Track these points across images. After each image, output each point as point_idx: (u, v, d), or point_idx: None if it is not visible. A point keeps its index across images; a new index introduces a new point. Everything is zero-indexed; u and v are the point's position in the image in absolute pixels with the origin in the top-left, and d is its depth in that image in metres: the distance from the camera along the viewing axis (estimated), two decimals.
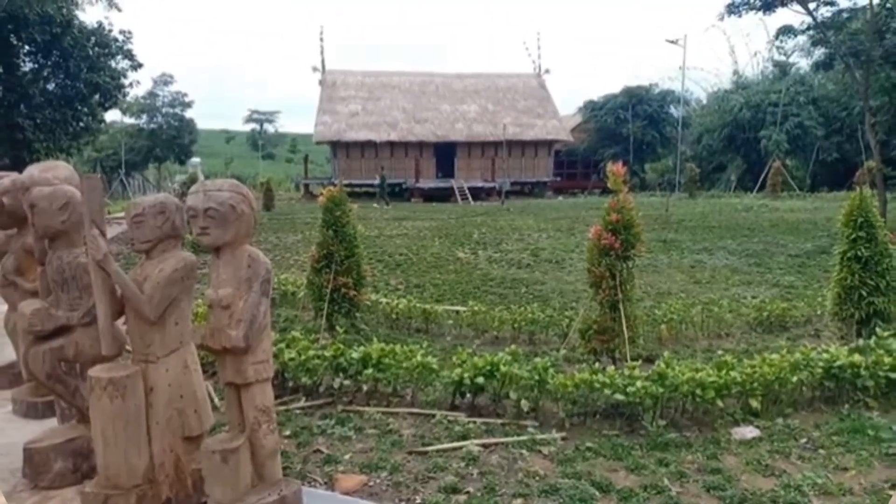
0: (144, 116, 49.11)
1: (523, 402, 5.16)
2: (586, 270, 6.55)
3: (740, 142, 37.89)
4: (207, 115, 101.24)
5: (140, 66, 25.65)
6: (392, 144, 39.77)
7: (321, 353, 5.76)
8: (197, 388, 3.90)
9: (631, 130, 43.64)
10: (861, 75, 15.56)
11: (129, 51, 25.63)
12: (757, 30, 65.29)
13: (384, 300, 8.58)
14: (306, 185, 41.58)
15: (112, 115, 41.55)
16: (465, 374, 5.21)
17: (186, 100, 51.44)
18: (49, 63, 23.46)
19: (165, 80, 50.21)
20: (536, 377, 5.15)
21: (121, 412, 3.61)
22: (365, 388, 5.62)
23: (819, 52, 18.76)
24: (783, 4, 16.14)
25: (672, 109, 46.79)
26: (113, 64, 24.95)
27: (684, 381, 4.94)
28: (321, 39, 42.77)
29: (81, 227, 4.24)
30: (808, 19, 17.29)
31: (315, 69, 42.71)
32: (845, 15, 16.21)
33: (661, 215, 20.73)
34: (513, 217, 22.60)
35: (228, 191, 3.58)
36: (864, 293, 6.63)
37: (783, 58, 37.35)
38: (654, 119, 44.90)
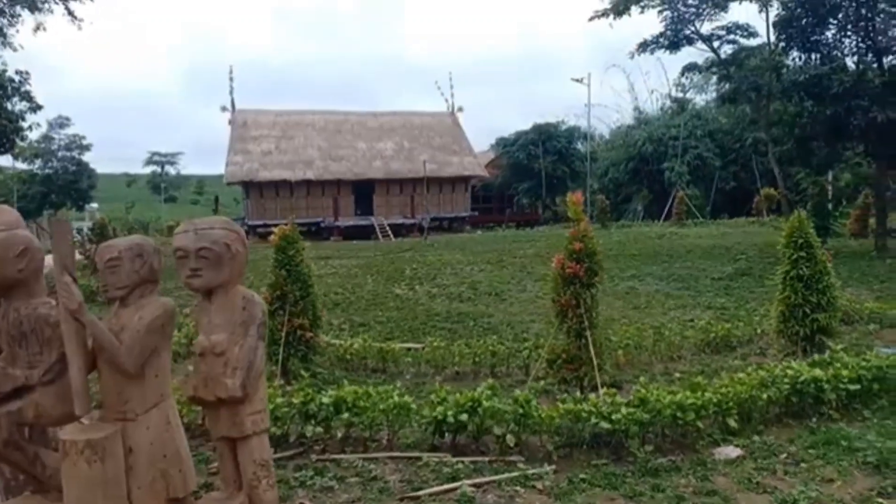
0: (38, 161, 46.29)
1: (508, 436, 5.06)
2: (550, 300, 6.58)
3: (644, 174, 39.79)
4: (106, 159, 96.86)
5: (39, 107, 24.09)
6: (308, 183, 39.23)
7: (288, 399, 5.46)
8: (180, 446, 3.59)
9: (542, 165, 44.99)
10: (762, 108, 16.76)
11: (28, 92, 24.09)
12: (655, 68, 69.31)
13: (336, 341, 8.29)
14: None
15: (1, 161, 38.97)
16: (448, 412, 5.06)
17: (84, 143, 49.00)
18: None
19: (61, 122, 47.70)
20: (520, 410, 5.07)
21: (99, 477, 3.25)
22: (340, 434, 5.36)
23: (724, 87, 20.09)
24: (689, 43, 17.23)
25: (579, 145, 48.71)
26: (9, 106, 23.36)
27: (666, 405, 4.99)
28: (231, 79, 41.95)
29: (40, 276, 3.88)
30: (710, 56, 18.52)
31: (224, 108, 41.73)
32: (743, 54, 17.46)
33: None
34: (439, 252, 22.62)
35: (221, 228, 3.36)
36: (807, 310, 6.98)
37: (681, 94, 39.82)
38: (562, 154, 46.49)
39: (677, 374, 7.14)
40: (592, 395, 5.57)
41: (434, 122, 45.51)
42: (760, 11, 16.31)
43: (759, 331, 8.47)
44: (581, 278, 6.24)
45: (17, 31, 22.10)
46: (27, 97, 24.39)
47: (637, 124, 45.86)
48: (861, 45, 16.50)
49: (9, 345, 3.74)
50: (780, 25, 16.53)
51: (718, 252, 18.31)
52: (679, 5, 16.62)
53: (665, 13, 16.82)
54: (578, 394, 6.33)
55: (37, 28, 23.10)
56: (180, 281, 3.40)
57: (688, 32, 17.20)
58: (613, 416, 4.93)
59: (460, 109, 46.72)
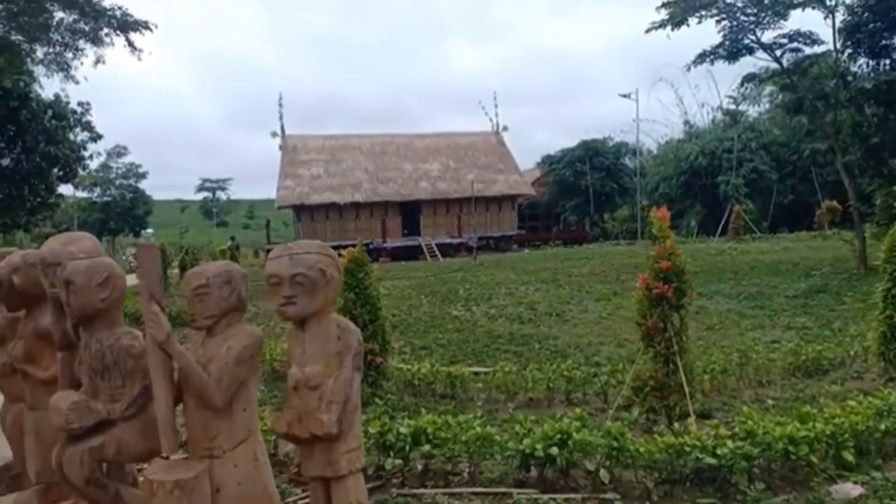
0: (98, 189, 47.84)
1: (602, 472, 4.71)
2: (635, 322, 6.21)
3: (697, 188, 38.82)
4: (161, 186, 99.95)
5: (100, 137, 25.02)
6: (357, 205, 39.52)
7: (364, 428, 5.22)
8: (269, 484, 3.38)
9: (589, 182, 44.38)
10: (822, 117, 16.06)
11: (88, 122, 25.00)
12: (705, 81, 67.89)
13: (403, 365, 8.05)
14: (268, 251, 40.78)
15: (62, 189, 40.28)
16: (537, 446, 4.74)
17: (140, 171, 50.51)
18: (3, 138, 22.57)
19: (119, 151, 49.32)
20: (614, 444, 4.72)
21: None
22: (419, 466, 5.09)
23: (786, 97, 19.39)
24: (749, 53, 16.69)
25: (627, 160, 47.97)
26: (71, 136, 24.19)
27: (777, 437, 4.58)
28: (280, 105, 42.95)
29: (121, 305, 3.74)
30: (770, 66, 17.91)
31: (275, 134, 42.52)
32: (808, 61, 16.82)
33: (642, 263, 20.70)
34: (490, 272, 22.32)
35: (317, 253, 3.15)
36: None
37: (734, 106, 38.85)
38: (610, 170, 45.80)
39: (770, 401, 6.68)
40: (690, 426, 5.18)
41: (479, 141, 45.45)
42: (826, 17, 15.66)
43: (852, 353, 7.90)
44: (669, 299, 5.87)
45: (82, 63, 22.86)
46: (88, 127, 25.28)
47: (688, 138, 44.94)
48: None
49: (90, 377, 3.61)
50: (847, 31, 15.87)
51: (785, 268, 17.55)
52: (738, 14, 16.10)
53: (724, 23, 16.33)
54: (667, 423, 5.98)
55: (97, 61, 23.84)
56: (272, 309, 3.20)
57: (747, 42, 16.64)
58: (719, 451, 4.54)
59: (505, 128, 46.59)
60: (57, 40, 19.77)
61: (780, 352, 8.03)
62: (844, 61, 16.36)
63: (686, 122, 48.66)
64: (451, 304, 15.03)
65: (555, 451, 4.72)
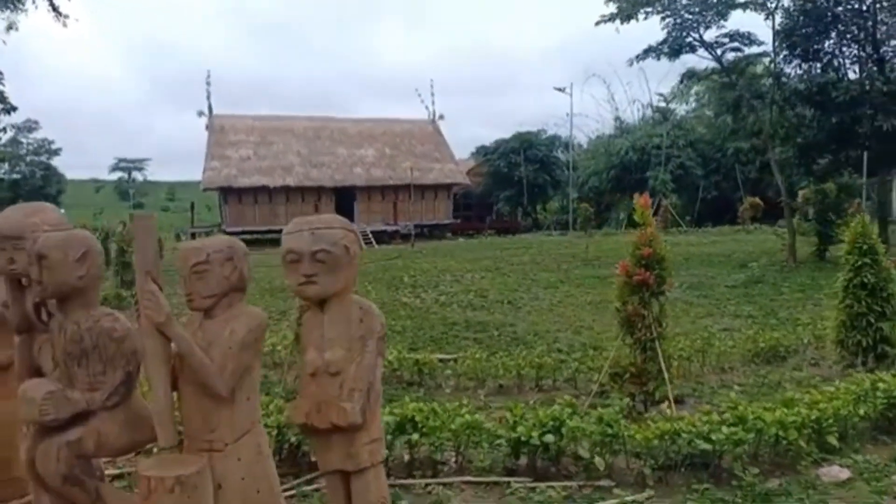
0: (6, 165, 44.66)
1: (598, 459, 4.61)
2: (615, 309, 6.16)
3: (627, 182, 39.84)
4: (75, 166, 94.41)
5: (14, 108, 23.19)
6: (288, 189, 38.48)
7: None
8: (273, 481, 3.09)
9: (523, 174, 44.82)
10: (765, 116, 16.70)
11: (1, 93, 23.12)
12: (637, 78, 69.61)
13: None
14: (193, 235, 39.16)
15: None
16: (533, 433, 4.60)
17: (53, 147, 47.46)
18: None
19: (30, 126, 46.13)
20: (608, 430, 4.63)
21: None
22: (406, 456, 4.86)
23: (725, 95, 20.04)
24: (691, 50, 17.11)
25: (559, 153, 48.72)
26: None
27: (769, 423, 4.61)
28: (208, 83, 41.03)
29: (99, 284, 3.34)
30: (708, 65, 18.44)
31: (201, 114, 40.83)
32: (745, 62, 17.41)
33: (580, 252, 21.07)
34: (431, 259, 22.18)
35: (340, 228, 2.87)
36: (871, 319, 6.68)
37: (663, 104, 40.03)
38: (543, 163, 46.38)
39: (736, 387, 6.79)
40: (665, 412, 5.17)
41: (415, 129, 45.07)
42: (766, 19, 16.24)
43: (805, 341, 8.17)
44: (650, 286, 5.84)
45: (6, 24, 21.10)
46: (0, 98, 23.42)
47: (618, 133, 46.04)
48: (862, 53, 16.56)
49: (66, 363, 3.20)
50: (784, 34, 16.50)
51: (718, 260, 18.17)
52: (682, 12, 16.48)
53: (668, 20, 16.68)
54: (643, 409, 5.97)
55: (9, 27, 22.10)
56: (290, 288, 2.90)
57: (690, 39, 17.07)
58: (713, 436, 4.53)
59: (441, 117, 46.35)
60: None
61: (738, 339, 8.21)
62: (779, 63, 17.02)
63: (617, 118, 49.85)
64: (397, 290, 14.78)
65: (550, 438, 4.59)
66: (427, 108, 46.05)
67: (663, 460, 4.62)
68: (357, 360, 2.85)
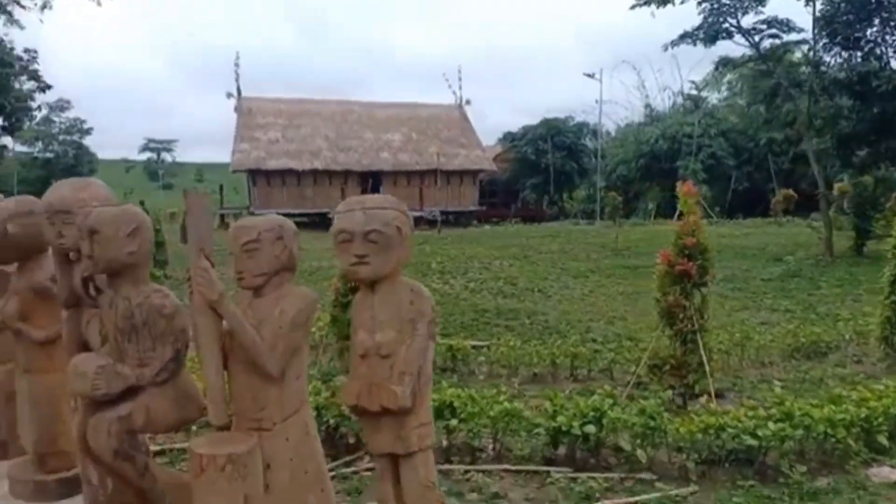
0: (39, 144, 45.34)
1: (639, 452, 4.54)
2: (655, 300, 6.05)
3: (656, 171, 39.33)
4: (106, 145, 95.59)
5: (48, 87, 23.50)
6: (315, 173, 38.59)
7: None
8: (320, 461, 3.07)
9: (550, 161, 44.43)
10: (801, 105, 16.30)
11: (35, 71, 23.43)
12: (668, 65, 68.27)
13: None
14: (222, 217, 39.51)
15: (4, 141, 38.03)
16: (574, 423, 4.53)
17: (85, 127, 48.11)
18: None
19: (62, 105, 46.72)
20: (651, 422, 4.55)
21: (240, 498, 2.73)
22: (444, 442, 4.83)
23: (762, 83, 19.62)
24: (728, 36, 16.73)
25: (587, 141, 48.19)
26: (17, 85, 22.64)
27: (817, 420, 4.49)
28: (236, 65, 41.15)
29: (149, 260, 3.33)
30: (744, 52, 18.03)
31: (230, 95, 40.96)
32: (783, 49, 16.99)
33: (610, 242, 20.84)
34: (459, 246, 22.09)
35: (392, 208, 2.81)
36: None
37: (695, 91, 39.36)
38: (571, 150, 45.92)
39: (776, 382, 6.66)
40: (708, 405, 5.07)
41: (442, 114, 44.82)
42: (807, 5, 15.80)
43: (847, 336, 7.98)
44: (692, 277, 5.72)
45: (26, 7, 21.34)
46: (35, 76, 23.73)
47: (648, 121, 45.37)
48: None
49: (116, 339, 3.19)
50: (823, 21, 16.06)
51: (752, 253, 17.86)
52: None
53: (704, 4, 16.31)
54: (682, 402, 5.88)
55: (44, 6, 22.32)
56: (341, 268, 2.86)
57: (727, 25, 16.68)
58: (759, 432, 4.42)
59: (468, 102, 45.99)
60: None
61: (776, 333, 8.05)
62: (818, 51, 16.58)
63: (647, 106, 49.13)
64: (426, 276, 14.74)
65: (591, 428, 4.52)
66: (455, 93, 45.72)
67: (707, 455, 4.53)
68: (407, 342, 2.80)
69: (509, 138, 49.08)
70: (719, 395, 6.23)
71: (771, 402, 4.85)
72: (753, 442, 4.40)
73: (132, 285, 3.18)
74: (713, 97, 44.51)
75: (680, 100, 45.47)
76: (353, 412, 2.94)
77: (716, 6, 16.72)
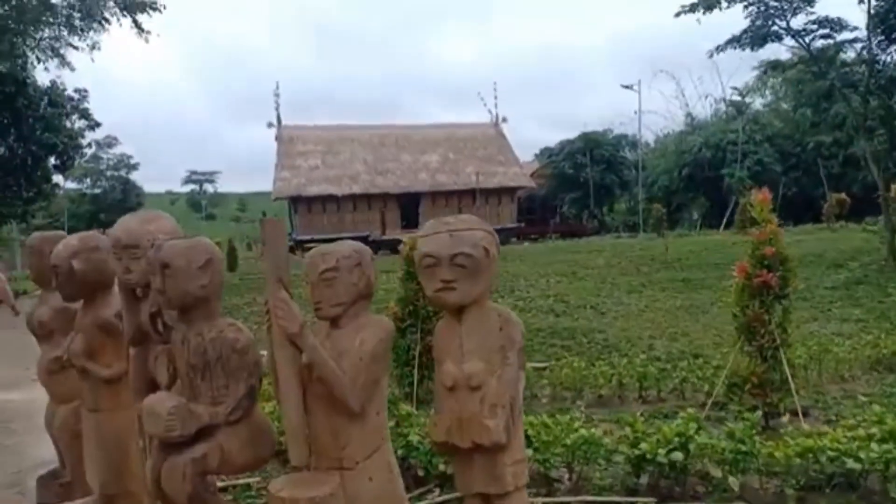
0: (88, 180, 46.78)
1: (731, 479, 4.24)
2: (732, 315, 5.75)
3: (701, 181, 38.56)
4: (150, 178, 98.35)
5: (97, 125, 24.19)
6: (355, 197, 38.93)
7: None
8: (405, 502, 2.88)
9: (589, 175, 43.97)
10: (859, 106, 15.71)
11: (85, 109, 24.12)
12: (708, 73, 67.15)
13: None
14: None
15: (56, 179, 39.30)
16: (659, 450, 4.26)
17: (132, 162, 49.52)
18: None
19: (109, 142, 48.24)
20: (741, 447, 4.25)
21: None
22: None
23: (814, 86, 19.05)
24: (777, 39, 16.29)
25: (626, 153, 47.62)
26: (68, 124, 23.34)
27: None
28: (276, 95, 41.93)
29: (221, 294, 3.21)
30: (791, 54, 17.51)
31: (270, 125, 41.73)
32: (833, 49, 16.46)
33: (658, 255, 20.37)
34: (502, 264, 21.79)
35: (480, 229, 2.64)
36: None
37: (738, 97, 38.55)
38: (610, 163, 45.44)
39: (861, 398, 6.25)
40: (798, 425, 4.74)
41: (478, 133, 44.86)
42: (860, 2, 15.26)
43: None
44: (773, 288, 5.41)
45: (78, 48, 22.02)
46: (85, 115, 24.44)
47: (690, 130, 44.60)
48: None
49: (188, 376, 3.07)
50: (878, 18, 15.49)
51: (810, 260, 17.17)
52: None
53: (751, 8, 15.90)
54: (764, 423, 5.54)
55: (93, 47, 22.99)
56: (427, 295, 2.69)
57: (775, 28, 16.22)
58: (862, 454, 4.09)
59: (504, 120, 45.96)
60: (58, 21, 18.98)
61: (855, 345, 7.61)
62: (873, 49, 16.00)
63: (688, 115, 48.33)
64: None
65: (678, 455, 4.24)
66: (490, 111, 45.72)
67: (805, 480, 4.21)
68: (497, 372, 2.61)
69: (546, 154, 48.92)
70: (805, 413, 5.87)
71: (869, 420, 4.49)
72: (856, 465, 4.07)
73: (204, 320, 3.07)
74: (757, 102, 43.57)
75: (722, 107, 44.64)
76: (441, 449, 2.75)
77: (763, 9, 16.30)
